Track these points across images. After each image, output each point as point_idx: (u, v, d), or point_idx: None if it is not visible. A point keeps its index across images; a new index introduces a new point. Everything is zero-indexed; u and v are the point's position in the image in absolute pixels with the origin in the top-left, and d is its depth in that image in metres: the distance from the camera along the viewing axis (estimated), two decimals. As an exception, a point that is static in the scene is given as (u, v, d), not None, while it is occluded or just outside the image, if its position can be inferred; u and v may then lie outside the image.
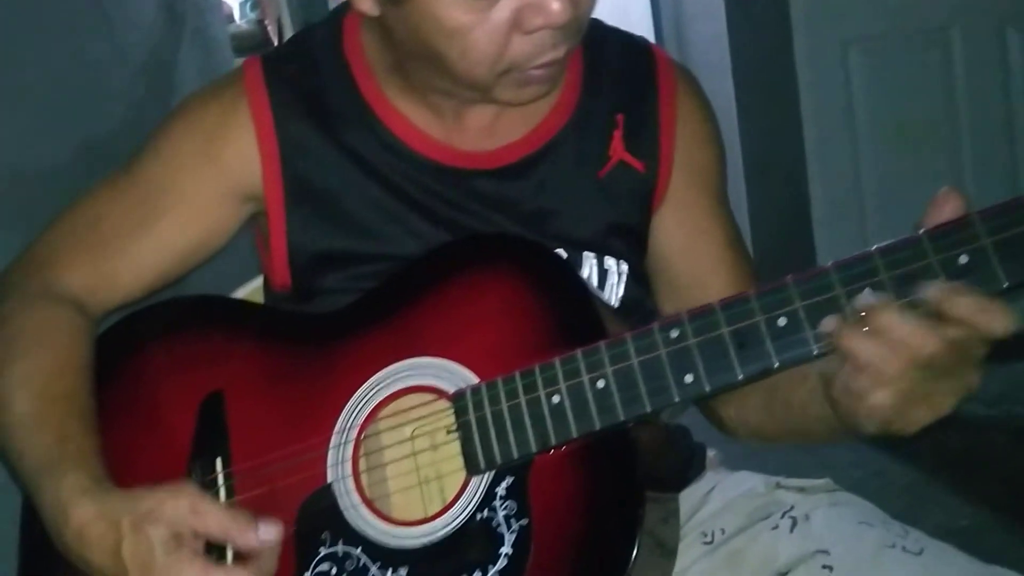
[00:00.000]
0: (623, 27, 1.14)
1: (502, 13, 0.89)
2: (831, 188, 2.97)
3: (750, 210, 3.23)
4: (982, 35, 2.91)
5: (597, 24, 1.09)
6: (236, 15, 4.18)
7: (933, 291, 0.74)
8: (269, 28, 4.03)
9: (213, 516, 0.86)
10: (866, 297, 0.76)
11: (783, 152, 3.05)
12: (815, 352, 0.79)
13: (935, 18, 2.91)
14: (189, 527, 0.85)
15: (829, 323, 0.77)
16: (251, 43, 3.97)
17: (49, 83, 1.78)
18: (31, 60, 1.73)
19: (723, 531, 1.05)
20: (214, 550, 0.88)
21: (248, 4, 4.17)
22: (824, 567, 0.96)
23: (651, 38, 4.82)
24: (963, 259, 0.75)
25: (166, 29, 2.51)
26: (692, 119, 1.10)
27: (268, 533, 0.87)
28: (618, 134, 1.07)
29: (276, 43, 3.86)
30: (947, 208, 0.76)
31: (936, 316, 0.74)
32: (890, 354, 0.75)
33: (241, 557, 0.88)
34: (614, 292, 1.07)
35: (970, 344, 0.75)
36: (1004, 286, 0.74)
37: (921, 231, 0.77)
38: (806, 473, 1.08)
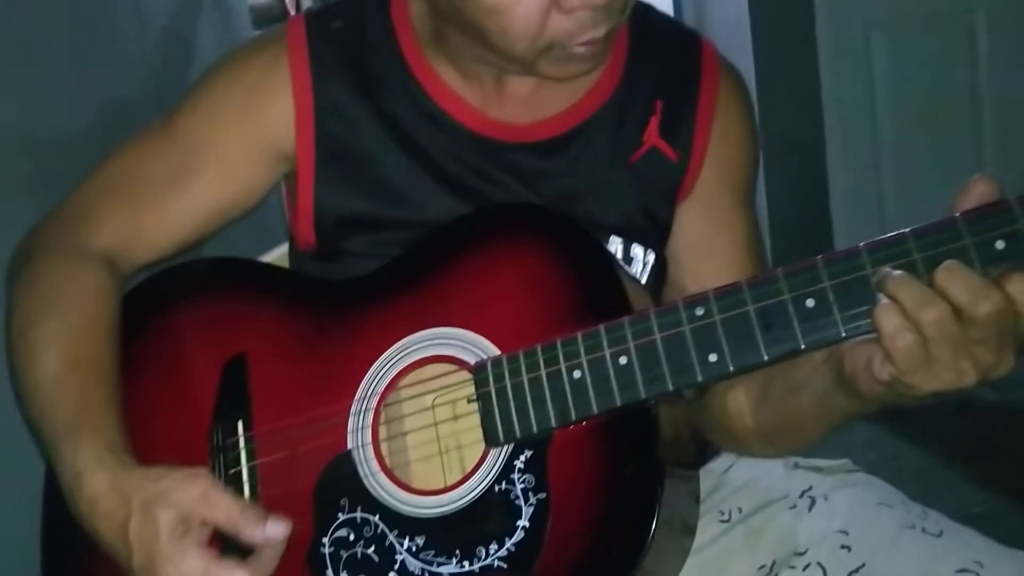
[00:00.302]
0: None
1: None
2: (851, 172, 2.95)
3: (768, 194, 3.21)
4: (1007, 18, 2.88)
5: (650, 10, 1.09)
6: (255, -14, 4.16)
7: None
8: (287, 1, 4.01)
9: (223, 506, 0.85)
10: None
11: (803, 135, 3.03)
12: (843, 335, 0.78)
13: (959, 1, 2.88)
14: (198, 514, 0.85)
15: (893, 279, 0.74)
16: (270, 16, 3.94)
17: (69, 50, 1.78)
18: (52, 27, 1.73)
19: (740, 510, 1.05)
20: (224, 537, 0.87)
21: (267, -24, 4.16)
22: (843, 547, 0.96)
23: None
24: (999, 244, 0.73)
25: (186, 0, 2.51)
26: (730, 116, 1.09)
27: (275, 530, 0.86)
28: (654, 120, 1.06)
29: (292, 15, 3.84)
30: (979, 193, 0.75)
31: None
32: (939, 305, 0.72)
33: (247, 551, 0.87)
34: (639, 279, 1.06)
35: (1015, 324, 0.73)
36: None
37: (956, 214, 0.75)
38: (822, 456, 1.08)
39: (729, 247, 1.08)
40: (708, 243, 1.08)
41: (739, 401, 1.04)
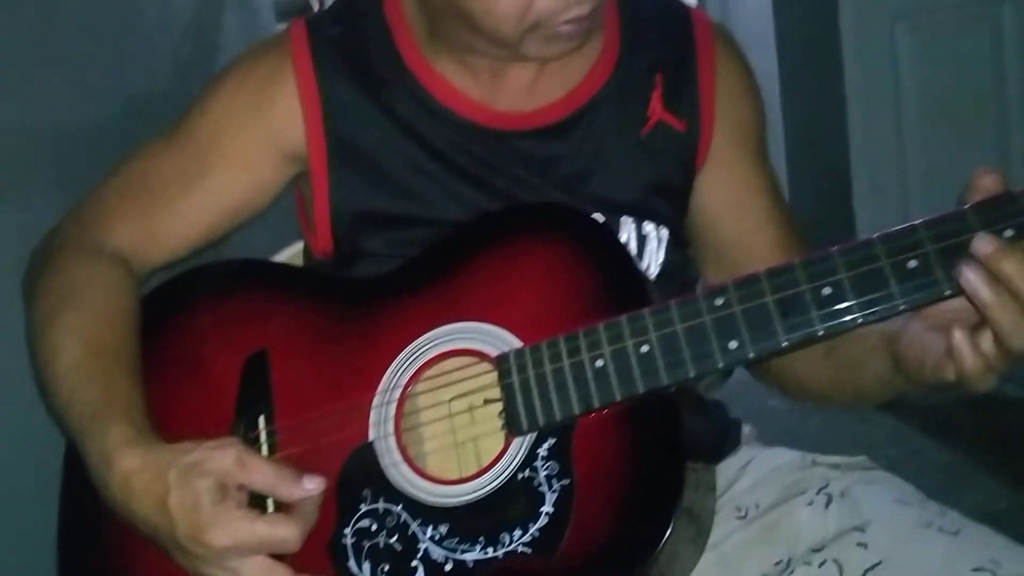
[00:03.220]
0: (667, -2, 1.13)
1: None
2: (873, 164, 2.94)
3: (790, 184, 3.21)
4: (1033, 11, 2.86)
5: None
6: (278, -20, 4.18)
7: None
8: (311, -7, 4.03)
9: (259, 469, 0.88)
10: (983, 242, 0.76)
11: (826, 126, 3.02)
12: (859, 321, 0.80)
13: (986, -8, 2.86)
14: (235, 479, 0.87)
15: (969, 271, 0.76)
16: (293, 8, 3.95)
17: (96, 45, 1.80)
18: (80, 21, 1.75)
19: (757, 506, 1.05)
20: (256, 501, 0.90)
21: (290, -31, 4.17)
22: (859, 544, 0.96)
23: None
24: (1008, 232, 0.76)
25: (211, -9, 2.53)
26: (731, 77, 1.10)
27: (312, 484, 0.89)
28: (657, 94, 1.07)
29: (316, 9, 3.86)
30: (985, 185, 0.78)
31: None
32: (997, 293, 0.75)
33: (282, 508, 0.90)
34: (654, 258, 1.07)
35: None
36: None
37: (967, 205, 0.78)
38: (842, 450, 1.08)
39: (760, 203, 1.09)
40: (740, 204, 1.09)
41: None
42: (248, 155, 1.08)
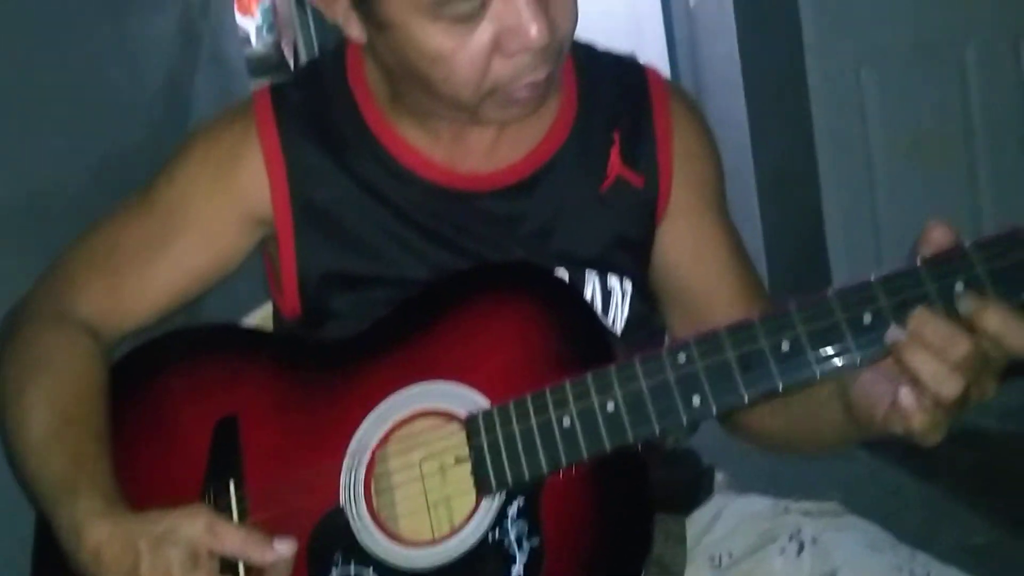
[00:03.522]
0: (638, 47, 1.16)
1: (482, 37, 0.91)
2: (845, 205, 2.97)
3: (764, 227, 3.24)
4: (996, 49, 2.91)
5: (589, 47, 1.12)
6: (253, 38, 4.21)
7: (967, 302, 0.77)
8: (285, 51, 4.06)
9: (229, 534, 0.88)
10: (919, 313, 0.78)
11: (797, 169, 3.06)
12: (817, 375, 0.82)
13: (948, 33, 2.91)
14: (206, 546, 0.87)
15: (893, 334, 0.79)
16: (267, 65, 4.00)
17: (68, 105, 1.81)
18: (51, 83, 1.76)
19: (731, 555, 1.06)
20: (228, 567, 0.90)
21: (265, 27, 4.21)
22: None
23: (665, 57, 4.87)
24: (959, 286, 0.78)
25: (183, 52, 2.54)
26: (687, 132, 1.12)
27: (283, 548, 0.89)
28: (615, 150, 1.09)
29: (292, 66, 3.90)
30: (936, 238, 0.79)
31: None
32: (933, 359, 0.77)
33: (253, 574, 0.90)
34: (619, 310, 1.08)
35: (994, 355, 0.77)
36: None
37: (918, 260, 0.80)
38: (821, 491, 1.09)
39: (720, 255, 1.11)
40: (700, 256, 1.11)
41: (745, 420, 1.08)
42: (215, 221, 1.08)
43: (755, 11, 3.12)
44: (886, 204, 2.96)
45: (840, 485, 2.49)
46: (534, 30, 0.89)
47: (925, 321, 0.77)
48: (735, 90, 3.28)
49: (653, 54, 4.87)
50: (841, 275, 2.94)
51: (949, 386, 0.77)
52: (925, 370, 0.77)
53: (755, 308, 1.06)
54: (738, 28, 3.18)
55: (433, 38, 0.91)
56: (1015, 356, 0.77)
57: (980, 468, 2.50)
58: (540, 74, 0.95)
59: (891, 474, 2.52)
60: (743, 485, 1.19)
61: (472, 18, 0.89)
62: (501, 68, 0.93)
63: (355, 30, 0.99)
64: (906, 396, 0.79)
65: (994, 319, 0.76)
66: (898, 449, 2.57)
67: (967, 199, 2.93)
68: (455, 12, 0.89)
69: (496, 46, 0.91)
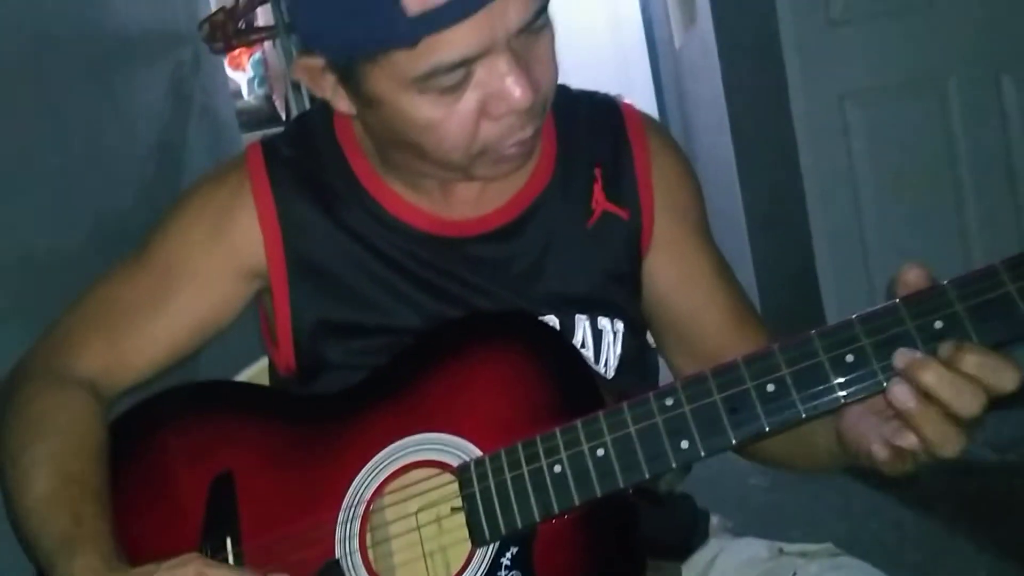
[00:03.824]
0: (627, 90, 1.19)
1: (469, 104, 0.93)
2: (835, 241, 2.99)
3: (755, 266, 3.26)
4: (978, 82, 2.94)
5: (564, 88, 1.14)
6: (244, 91, 4.26)
7: (945, 347, 0.79)
8: (277, 103, 4.10)
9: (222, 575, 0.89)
10: (903, 353, 0.80)
11: (785, 207, 3.08)
12: (803, 415, 0.83)
13: (931, 68, 2.94)
14: None
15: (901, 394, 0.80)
16: (259, 118, 4.04)
17: (62, 169, 1.83)
18: (45, 147, 1.78)
19: (728, 600, 1.06)
20: None
21: (256, 80, 4.26)
22: None
23: (652, 99, 4.92)
24: (938, 324, 0.80)
25: (174, 112, 2.58)
26: (665, 163, 1.14)
27: None
28: (598, 186, 1.11)
29: (284, 117, 3.93)
30: (911, 280, 0.81)
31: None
32: (922, 403, 0.79)
33: None
34: (611, 351, 1.09)
35: (988, 401, 0.79)
36: None
37: (897, 300, 0.81)
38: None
39: (707, 279, 1.13)
40: (687, 282, 1.13)
41: None
42: (211, 276, 1.10)
43: (738, 50, 3.16)
44: (875, 237, 2.98)
45: (842, 519, 2.50)
46: (518, 93, 0.91)
47: (938, 377, 0.78)
48: (721, 128, 3.32)
49: (641, 95, 4.93)
50: (833, 308, 2.95)
51: (952, 444, 0.79)
52: (932, 431, 0.79)
53: (747, 330, 1.09)
54: (722, 68, 3.22)
55: (421, 109, 0.93)
56: (996, 395, 0.78)
57: (981, 500, 2.50)
58: (527, 132, 0.97)
59: (892, 508, 2.52)
60: (744, 522, 1.19)
61: (457, 88, 0.91)
62: (489, 130, 0.95)
63: (343, 104, 1.00)
64: (879, 451, 0.83)
65: (971, 361, 0.77)
66: (899, 482, 2.56)
67: (954, 230, 2.95)
68: (440, 85, 0.91)
69: (483, 110, 0.93)
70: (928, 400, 0.79)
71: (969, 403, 0.78)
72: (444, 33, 0.87)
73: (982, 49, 2.91)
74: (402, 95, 0.93)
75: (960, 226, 2.95)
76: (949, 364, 0.78)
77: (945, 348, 0.79)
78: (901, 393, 0.79)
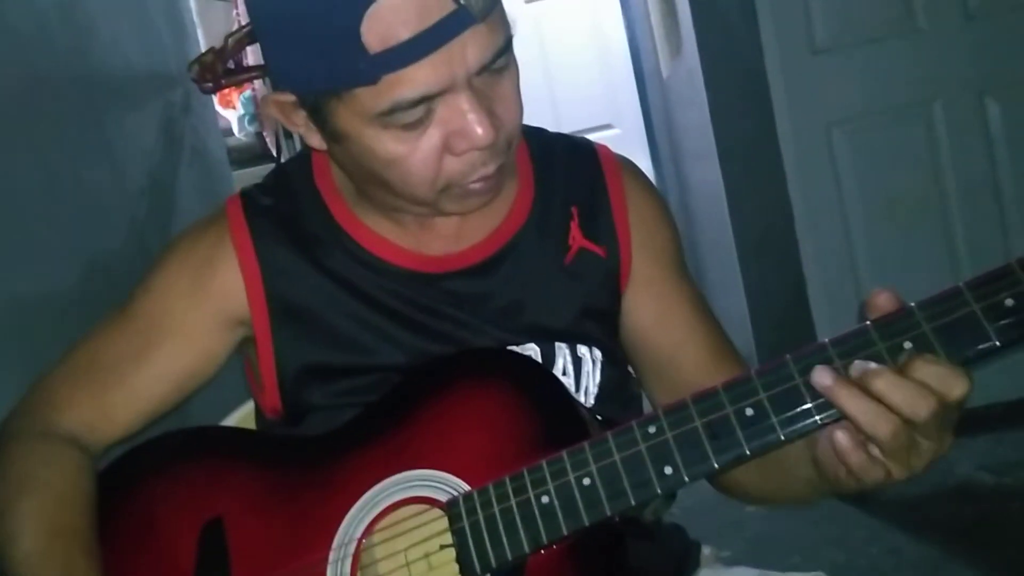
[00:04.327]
0: (614, 118, 1.20)
1: (431, 140, 0.95)
2: (825, 266, 3.00)
3: (747, 291, 3.27)
4: (963, 106, 2.97)
5: (540, 131, 1.18)
6: (235, 129, 4.28)
7: (903, 358, 0.81)
8: (268, 140, 4.12)
9: None
10: (859, 363, 0.81)
11: (775, 233, 3.09)
12: (782, 438, 0.84)
13: (916, 93, 2.97)
14: None
15: (823, 376, 0.81)
16: (250, 155, 4.06)
17: (52, 210, 1.83)
18: (34, 189, 1.78)
19: (721, 629, 1.06)
20: None
21: (246, 118, 4.27)
22: None
23: (641, 128, 4.94)
24: (907, 344, 0.82)
25: (165, 151, 2.59)
26: (641, 202, 1.16)
27: None
28: (575, 224, 1.13)
29: (275, 154, 3.95)
30: (880, 304, 0.83)
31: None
32: (882, 414, 0.80)
33: None
34: (591, 379, 1.10)
35: (941, 408, 0.80)
36: None
37: (868, 322, 0.83)
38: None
39: (684, 315, 1.14)
40: (665, 318, 1.14)
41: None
42: (195, 327, 1.11)
43: (725, 80, 3.18)
44: (865, 261, 2.99)
45: (839, 546, 2.49)
46: (480, 131, 0.93)
47: (886, 383, 0.80)
48: (710, 157, 3.34)
49: (629, 125, 4.96)
50: (826, 333, 2.91)
51: (881, 427, 0.80)
52: (854, 408, 0.80)
53: (724, 365, 1.10)
54: (709, 97, 3.24)
55: (385, 145, 0.95)
56: (951, 403, 0.80)
57: (978, 524, 2.49)
58: (490, 168, 0.98)
59: (889, 534, 2.51)
60: (740, 550, 1.19)
61: (420, 124, 0.93)
62: (452, 166, 0.97)
63: (315, 140, 1.03)
64: (841, 437, 0.82)
65: (921, 369, 0.79)
66: (895, 506, 2.57)
67: (943, 253, 2.96)
68: (402, 121, 0.93)
69: (446, 147, 0.95)
70: (880, 404, 0.80)
71: (917, 406, 0.79)
72: (405, 71, 0.89)
73: (966, 73, 2.94)
74: (366, 130, 0.95)
75: (948, 248, 2.97)
76: (901, 372, 0.80)
77: (901, 358, 0.81)
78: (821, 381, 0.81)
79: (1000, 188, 2.98)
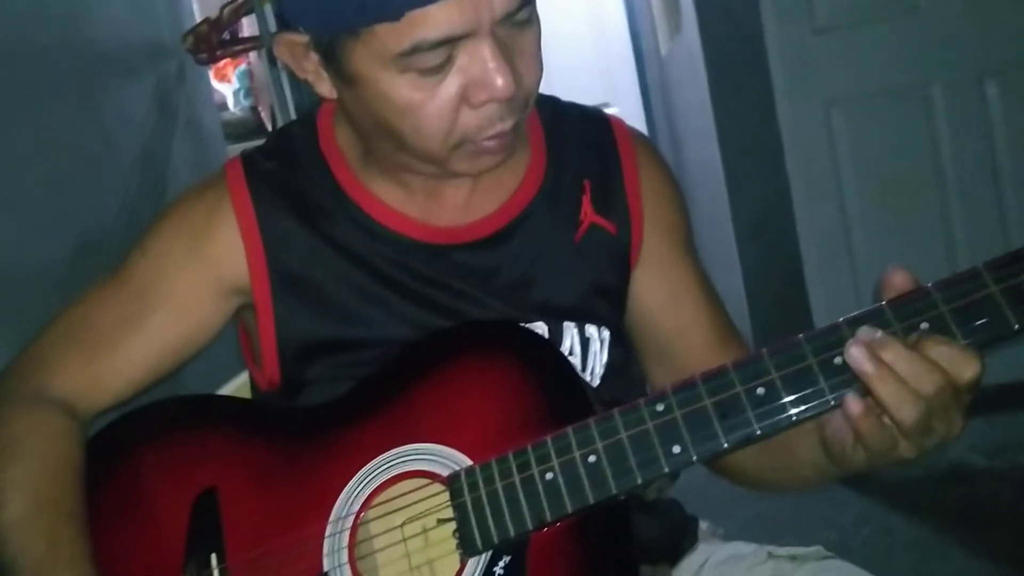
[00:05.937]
0: (612, 97, 1.18)
1: (449, 89, 0.92)
2: (822, 247, 3.00)
3: (744, 272, 3.26)
4: (962, 87, 2.96)
5: (554, 101, 1.15)
6: (230, 103, 4.24)
7: (915, 337, 0.80)
8: (263, 115, 4.08)
9: None
10: (867, 329, 0.80)
11: (773, 213, 3.09)
12: (793, 418, 0.83)
13: (915, 74, 2.96)
14: None
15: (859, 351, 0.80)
16: (245, 129, 4.02)
17: (45, 182, 1.81)
18: (28, 160, 1.77)
19: (720, 603, 1.05)
20: None
21: (242, 92, 4.24)
22: None
23: (639, 107, 4.93)
24: (924, 325, 0.81)
25: (159, 124, 2.56)
26: (654, 178, 1.14)
27: None
28: (586, 199, 1.10)
29: (270, 128, 3.92)
30: (897, 283, 0.82)
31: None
32: (901, 388, 0.79)
33: None
34: (598, 359, 1.09)
35: (951, 389, 0.79)
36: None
37: (883, 302, 0.82)
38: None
39: (692, 296, 1.13)
40: (673, 298, 1.12)
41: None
42: (190, 293, 1.08)
43: (725, 58, 3.17)
44: (862, 243, 2.99)
45: (832, 526, 2.49)
46: (500, 81, 0.90)
47: (889, 347, 0.79)
48: (709, 136, 3.32)
49: (628, 103, 4.93)
50: (822, 313, 2.96)
51: (907, 410, 0.79)
52: (885, 391, 0.79)
53: (729, 348, 1.09)
54: (708, 76, 3.22)
55: (401, 90, 0.92)
56: (962, 385, 0.79)
57: (970, 506, 2.51)
58: (507, 124, 0.96)
59: (882, 514, 2.52)
60: (734, 530, 1.19)
61: (439, 70, 0.91)
62: (468, 119, 0.94)
63: (325, 87, 1.00)
64: (852, 402, 0.81)
65: (933, 348, 0.79)
66: (888, 488, 2.57)
67: (940, 234, 2.96)
68: (421, 65, 0.90)
69: (463, 97, 0.93)
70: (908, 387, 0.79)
71: (923, 381, 0.78)
72: (428, 9, 0.87)
73: (966, 54, 2.93)
74: (382, 74, 0.92)
75: (946, 230, 2.97)
76: (913, 346, 0.79)
77: (913, 336, 0.80)
78: (857, 355, 0.80)
79: (998, 169, 2.98)
